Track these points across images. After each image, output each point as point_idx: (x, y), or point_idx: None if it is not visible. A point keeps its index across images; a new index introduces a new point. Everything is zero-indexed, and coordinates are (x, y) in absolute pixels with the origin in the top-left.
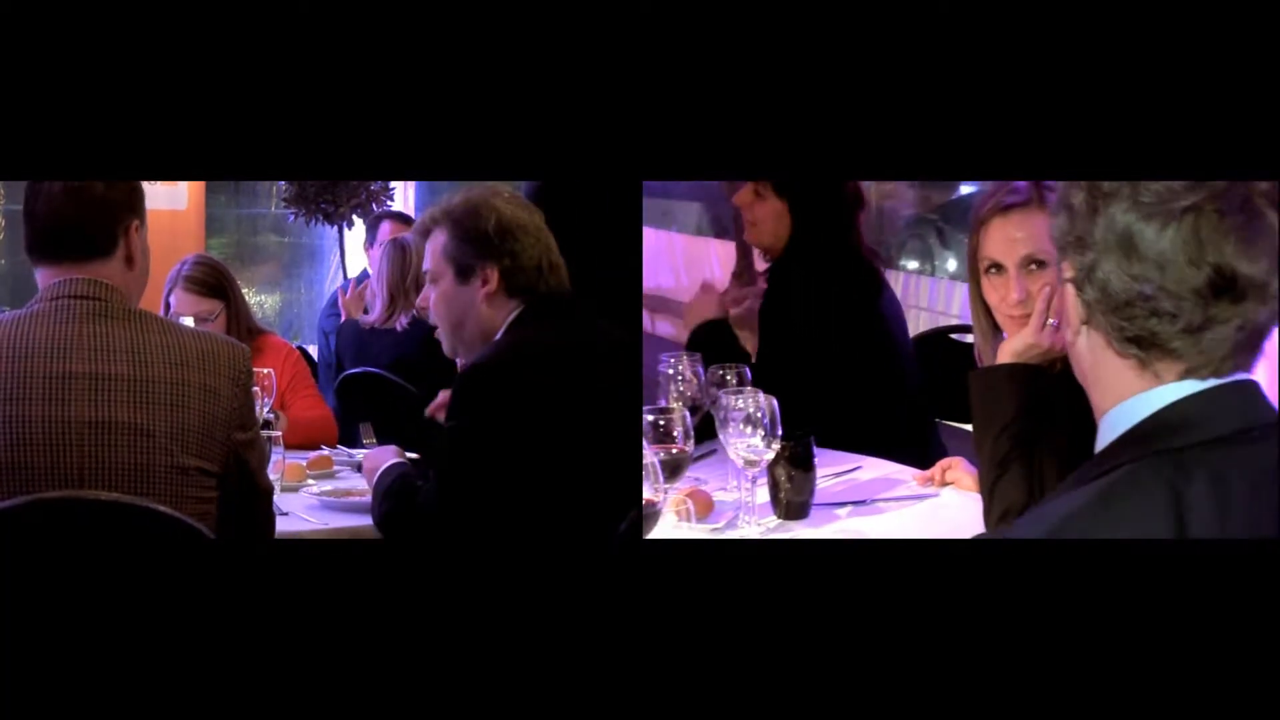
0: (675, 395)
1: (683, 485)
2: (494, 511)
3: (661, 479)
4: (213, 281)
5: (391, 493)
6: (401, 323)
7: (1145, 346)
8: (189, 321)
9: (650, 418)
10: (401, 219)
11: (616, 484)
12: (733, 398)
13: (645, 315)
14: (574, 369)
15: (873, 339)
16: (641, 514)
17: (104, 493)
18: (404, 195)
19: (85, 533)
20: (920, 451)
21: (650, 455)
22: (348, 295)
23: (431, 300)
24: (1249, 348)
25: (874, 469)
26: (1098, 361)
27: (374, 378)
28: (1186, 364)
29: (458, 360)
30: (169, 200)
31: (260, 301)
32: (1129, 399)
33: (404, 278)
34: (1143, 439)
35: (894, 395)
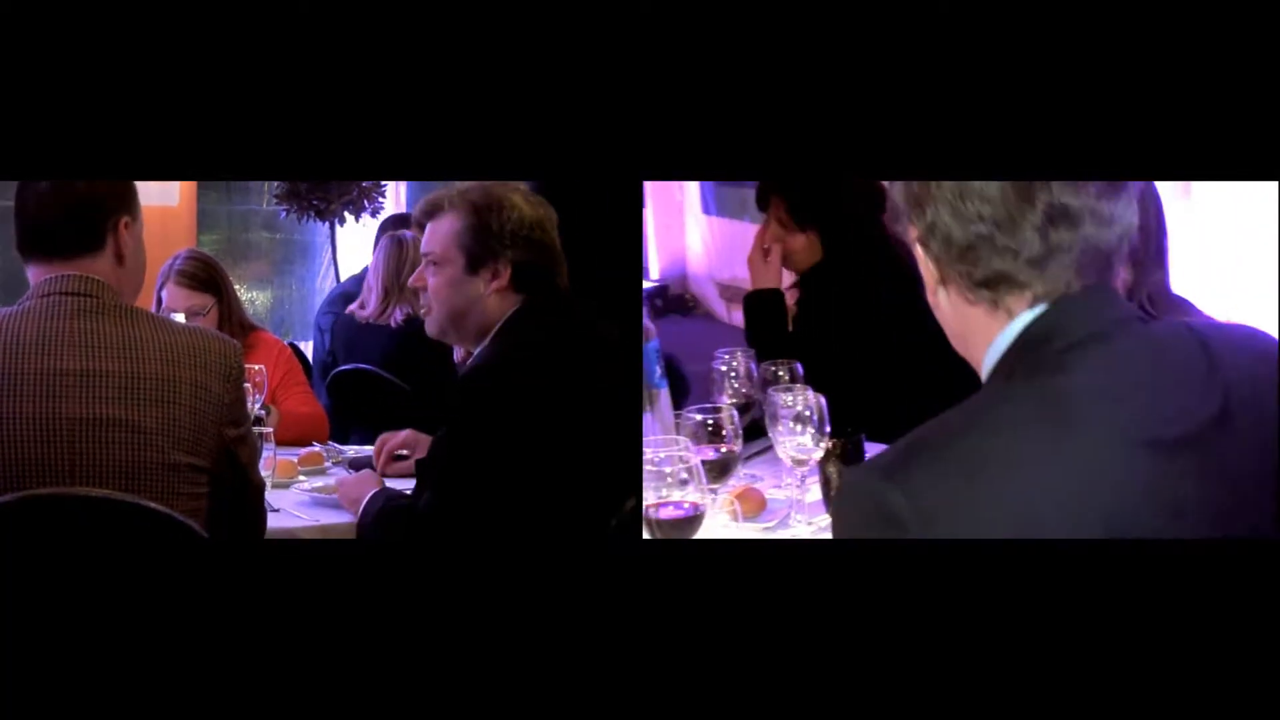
0: (730, 392)
1: (736, 483)
2: (495, 516)
3: (704, 480)
4: (205, 276)
5: (382, 518)
6: (396, 318)
7: (994, 285)
8: (180, 317)
9: (698, 417)
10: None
11: (617, 484)
12: (783, 395)
13: (722, 305)
14: (574, 371)
15: (911, 335)
16: (641, 511)
17: (95, 489)
18: (395, 193)
19: (76, 529)
20: None
21: (695, 456)
22: None
23: (431, 284)
24: (1098, 265)
25: None
26: (959, 316)
27: (366, 374)
28: (1033, 292)
29: (455, 351)
30: (161, 196)
31: (252, 298)
32: (994, 340)
33: (399, 273)
34: (1012, 362)
35: (941, 389)
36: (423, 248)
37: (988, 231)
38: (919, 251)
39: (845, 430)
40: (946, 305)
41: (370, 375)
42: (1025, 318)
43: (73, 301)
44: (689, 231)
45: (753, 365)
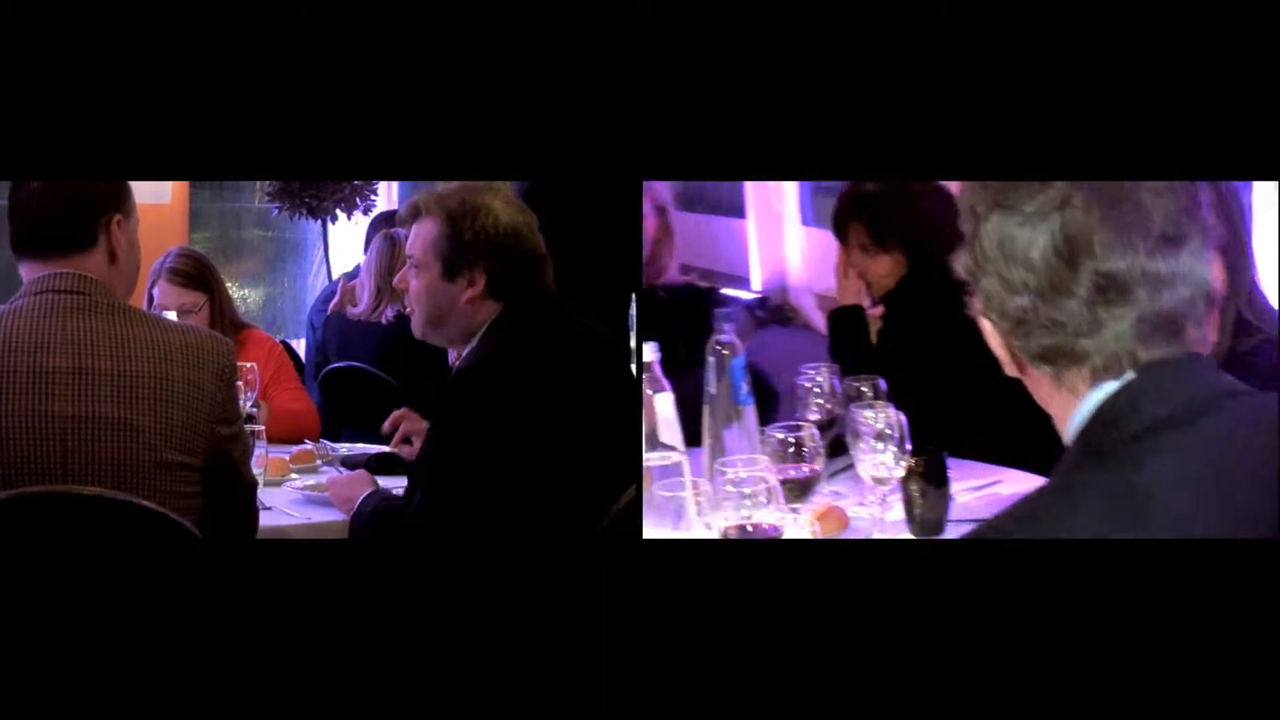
0: (814, 408)
1: (819, 500)
2: (484, 517)
3: (782, 501)
4: (196, 274)
5: (375, 519)
6: (387, 315)
7: (1051, 360)
8: (172, 314)
9: (779, 435)
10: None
11: (608, 484)
12: (864, 411)
13: (820, 316)
14: (560, 372)
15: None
16: (640, 504)
17: (87, 487)
18: (387, 191)
19: (68, 528)
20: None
21: (774, 476)
22: (347, 284)
23: (413, 286)
24: (1165, 332)
25: (1015, 483)
26: (1035, 390)
27: (357, 372)
28: (1092, 366)
29: (450, 354)
30: (153, 195)
31: (244, 296)
32: (1066, 417)
33: (392, 271)
34: (1085, 446)
35: (1025, 406)
36: (406, 249)
37: (1030, 304)
38: (984, 325)
39: (927, 447)
40: (1022, 377)
41: (362, 373)
42: (1094, 398)
43: (65, 299)
44: (788, 243)
45: (836, 381)
